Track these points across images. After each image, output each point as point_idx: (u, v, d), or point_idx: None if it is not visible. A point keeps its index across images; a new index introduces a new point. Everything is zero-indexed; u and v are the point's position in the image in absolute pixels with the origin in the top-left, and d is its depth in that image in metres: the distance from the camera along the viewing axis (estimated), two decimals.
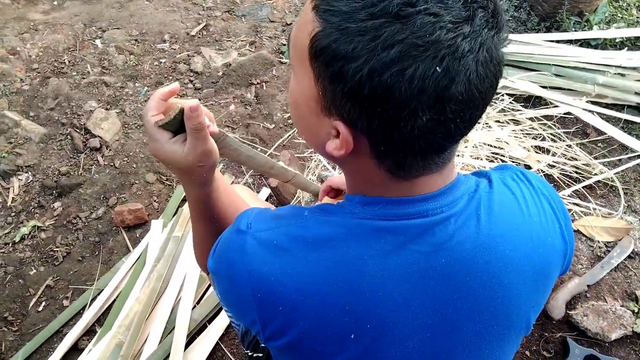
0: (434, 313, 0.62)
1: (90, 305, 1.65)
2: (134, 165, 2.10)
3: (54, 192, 2.02)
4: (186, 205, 1.90)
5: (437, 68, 0.48)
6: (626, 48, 2.14)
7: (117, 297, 1.66)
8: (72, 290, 1.73)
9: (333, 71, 0.52)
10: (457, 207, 0.62)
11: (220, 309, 1.60)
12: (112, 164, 2.12)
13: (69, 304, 1.69)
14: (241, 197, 0.97)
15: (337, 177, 1.17)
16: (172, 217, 1.90)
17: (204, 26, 2.72)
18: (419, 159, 0.58)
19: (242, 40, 2.65)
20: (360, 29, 0.49)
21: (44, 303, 1.71)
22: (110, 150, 2.16)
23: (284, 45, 2.59)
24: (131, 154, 2.14)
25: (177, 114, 0.70)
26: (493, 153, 1.93)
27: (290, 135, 2.16)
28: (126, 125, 2.25)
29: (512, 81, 2.06)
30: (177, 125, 0.72)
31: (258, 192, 1.99)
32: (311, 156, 2.05)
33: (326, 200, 1.17)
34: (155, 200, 1.99)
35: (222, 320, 1.57)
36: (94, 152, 2.15)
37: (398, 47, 0.48)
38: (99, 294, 1.69)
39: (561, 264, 0.71)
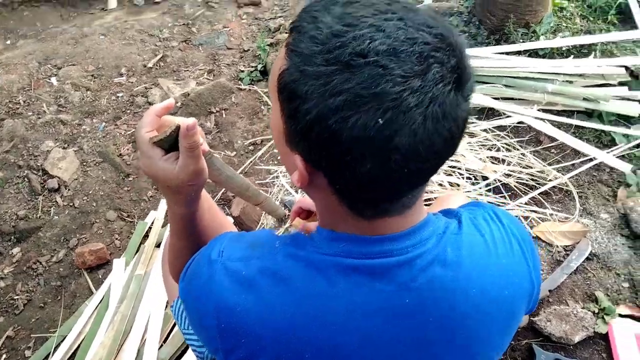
0: (396, 352, 0.63)
1: (53, 353, 1.62)
2: (94, 204, 2.08)
3: (12, 237, 1.98)
4: (148, 242, 1.88)
5: (379, 120, 0.50)
6: (572, 56, 2.21)
7: (81, 343, 1.63)
8: (34, 339, 1.69)
9: (290, 108, 0.55)
10: (423, 248, 0.63)
11: (188, 347, 1.58)
12: (71, 204, 2.09)
13: (31, 354, 1.65)
14: (222, 216, 0.98)
15: (307, 198, 1.18)
16: (134, 254, 1.87)
17: (161, 57, 2.72)
18: (372, 203, 0.60)
19: (200, 69, 2.66)
20: (315, 73, 0.51)
21: (4, 356, 1.66)
22: (69, 190, 2.13)
23: (242, 71, 2.61)
24: (91, 192, 2.12)
25: (172, 131, 0.69)
26: (450, 167, 1.97)
27: (251, 161, 2.17)
28: (84, 163, 2.23)
29: None
30: (171, 143, 0.71)
31: None
32: (273, 182, 2.05)
33: (297, 221, 1.18)
34: (117, 238, 1.97)
35: (190, 358, 1.55)
36: (52, 193, 2.12)
37: (344, 96, 0.50)
38: (62, 340, 1.65)
39: (526, 304, 0.72)
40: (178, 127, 0.69)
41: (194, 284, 0.69)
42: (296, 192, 1.96)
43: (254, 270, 0.64)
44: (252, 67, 2.60)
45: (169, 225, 0.93)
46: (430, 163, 0.55)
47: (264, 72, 2.58)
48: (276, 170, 2.07)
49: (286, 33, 2.75)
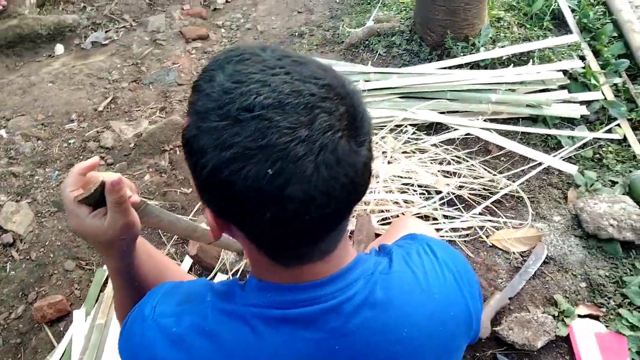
0: None
1: None
2: (51, 255, 2.03)
3: None
4: (107, 290, 1.85)
5: (269, 170, 0.51)
6: (512, 65, 2.28)
7: None
8: None
9: (192, 164, 0.57)
10: (351, 292, 0.63)
11: None
12: (28, 257, 2.04)
13: None
14: (165, 261, 0.97)
15: None
16: (95, 303, 1.84)
17: (112, 99, 2.71)
18: (290, 251, 0.60)
19: (151, 108, 2.65)
20: (209, 128, 0.53)
21: None
22: (24, 243, 2.09)
23: None
24: (47, 243, 2.08)
25: (97, 188, 0.69)
26: (404, 184, 1.99)
27: None
28: (39, 215, 2.18)
29: (413, 112, 2.15)
30: (97, 199, 0.71)
31: (181, 261, 1.96)
32: None
33: None
34: (76, 288, 1.93)
35: None
36: (7, 248, 2.07)
37: (235, 149, 0.52)
38: None
39: (467, 333, 0.73)
40: (103, 183, 0.70)
41: (129, 341, 0.70)
42: None
43: (185, 327, 0.64)
44: None
45: None
46: (331, 208, 0.55)
47: None
48: None
49: None
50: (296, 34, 2.88)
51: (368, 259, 0.68)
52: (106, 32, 3.15)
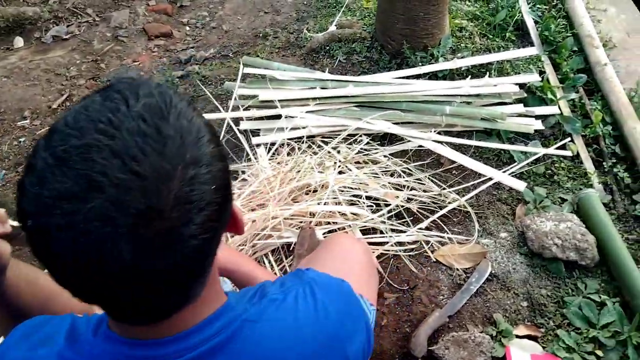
0: None
1: None
2: None
3: None
4: None
5: (80, 242, 0.48)
6: (470, 76, 2.25)
7: None
8: None
9: None
10: (205, 347, 0.60)
11: None
12: None
13: None
14: (52, 288, 0.93)
15: None
16: None
17: (67, 97, 2.64)
18: (118, 313, 0.57)
19: None
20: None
21: None
22: None
23: None
24: None
25: None
26: (353, 195, 1.96)
27: None
28: None
29: (367, 122, 2.12)
30: None
31: None
32: None
33: None
34: None
35: None
36: None
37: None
38: None
39: None
40: None
41: None
42: None
43: None
44: None
45: None
46: (137, 288, 0.52)
47: None
48: None
49: (197, 64, 2.72)
50: (260, 35, 2.83)
51: (235, 307, 0.65)
52: (68, 26, 3.07)
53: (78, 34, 3.03)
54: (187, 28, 3.09)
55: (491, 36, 2.49)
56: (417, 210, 1.96)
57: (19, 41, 3.00)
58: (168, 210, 0.49)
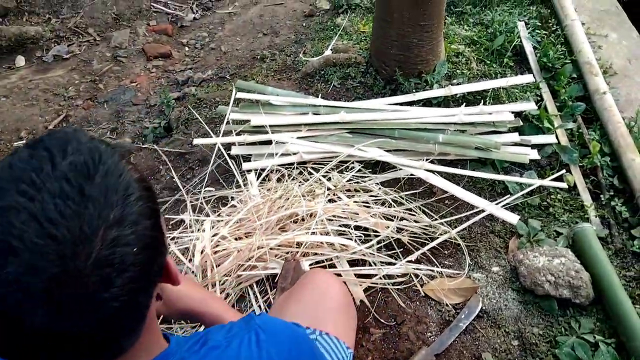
0: None
1: None
2: None
3: None
4: None
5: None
6: (465, 103, 2.22)
7: None
8: None
9: None
10: None
11: None
12: None
13: None
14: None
15: None
16: None
17: (64, 117, 2.65)
18: None
19: (102, 129, 2.59)
20: None
21: None
22: None
23: (147, 128, 2.55)
24: None
25: None
26: (342, 225, 1.93)
27: None
28: None
29: (359, 149, 2.09)
30: None
31: None
32: None
33: None
34: None
35: None
36: None
37: None
38: None
39: None
40: None
41: None
42: None
43: None
44: (157, 123, 2.55)
45: None
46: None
47: (168, 129, 2.53)
48: (168, 237, 2.00)
49: (194, 86, 2.72)
50: (258, 57, 2.83)
51: (175, 354, 0.64)
52: (69, 45, 3.09)
53: (78, 54, 3.04)
54: (187, 49, 3.10)
55: (488, 62, 2.45)
56: (408, 242, 1.91)
57: (20, 60, 3.03)
58: (86, 274, 0.49)
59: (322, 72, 2.47)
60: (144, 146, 2.44)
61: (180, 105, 2.59)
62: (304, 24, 3.04)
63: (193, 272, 1.82)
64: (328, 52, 2.54)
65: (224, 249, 1.85)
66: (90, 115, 2.67)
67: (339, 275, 1.81)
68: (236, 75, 2.74)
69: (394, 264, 1.84)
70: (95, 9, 3.26)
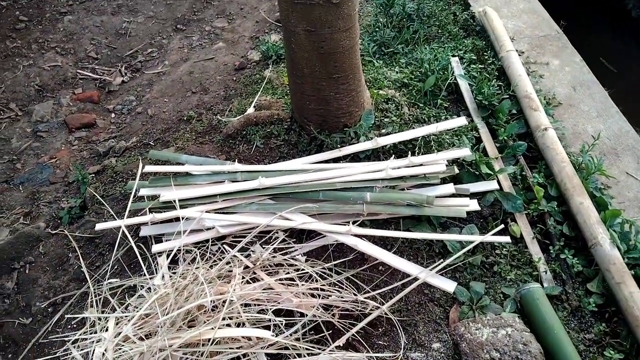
0: None
1: None
2: None
3: None
4: None
5: None
6: (394, 155, 2.02)
7: None
8: None
9: None
10: None
11: None
12: None
13: None
14: None
15: None
16: None
17: None
18: None
19: (16, 214, 2.37)
20: None
21: None
22: None
23: (62, 209, 2.33)
24: None
25: None
26: (263, 309, 1.69)
27: (46, 329, 1.86)
28: None
29: (281, 216, 1.87)
30: None
31: None
32: (65, 356, 1.74)
33: None
34: None
35: None
36: None
37: None
38: None
39: None
40: None
41: None
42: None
43: None
44: (73, 202, 2.33)
45: None
46: None
47: (84, 207, 2.31)
48: (70, 340, 1.76)
49: (115, 156, 2.52)
50: (184, 118, 2.64)
51: None
52: None
53: None
54: (113, 115, 2.91)
55: (422, 104, 2.27)
56: (337, 321, 1.68)
57: None
58: None
59: (244, 132, 2.28)
60: (54, 232, 2.22)
61: (97, 181, 2.38)
62: (234, 78, 2.86)
63: None
64: (250, 110, 2.35)
65: (126, 352, 1.61)
66: (3, 200, 2.45)
67: None
68: (160, 141, 2.54)
69: (319, 352, 1.60)
70: (17, 82, 3.09)
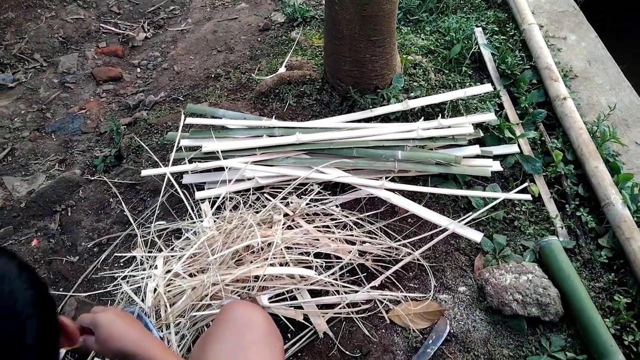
0: None
1: None
2: None
3: None
4: None
5: None
6: (423, 117, 2.15)
7: None
8: None
9: None
10: None
11: None
12: None
13: None
14: None
15: (87, 316, 1.09)
16: None
17: (9, 151, 2.51)
18: None
19: (50, 161, 2.46)
20: None
21: None
22: None
23: (97, 157, 2.42)
24: None
25: None
26: (303, 252, 1.84)
27: (94, 266, 1.98)
28: None
29: (317, 170, 2.00)
30: None
31: None
32: (115, 290, 1.87)
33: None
34: None
35: None
36: None
37: None
38: None
39: None
40: None
41: None
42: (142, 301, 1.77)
43: None
44: (107, 152, 2.43)
45: None
46: None
47: (119, 157, 2.41)
48: (120, 276, 1.88)
49: (145, 110, 2.60)
50: (212, 76, 2.72)
51: None
52: (14, 73, 2.94)
53: (24, 82, 2.89)
54: (138, 70, 2.98)
55: (447, 71, 2.39)
56: (371, 266, 1.83)
57: None
58: None
59: (277, 90, 2.38)
60: (93, 178, 2.32)
61: (131, 132, 2.47)
62: (259, 39, 2.94)
63: (146, 313, 1.71)
64: (282, 70, 2.45)
65: (178, 286, 1.75)
66: (37, 147, 2.53)
67: (300, 307, 1.73)
68: (189, 97, 2.63)
69: (357, 291, 1.76)
70: (40, 34, 3.12)
